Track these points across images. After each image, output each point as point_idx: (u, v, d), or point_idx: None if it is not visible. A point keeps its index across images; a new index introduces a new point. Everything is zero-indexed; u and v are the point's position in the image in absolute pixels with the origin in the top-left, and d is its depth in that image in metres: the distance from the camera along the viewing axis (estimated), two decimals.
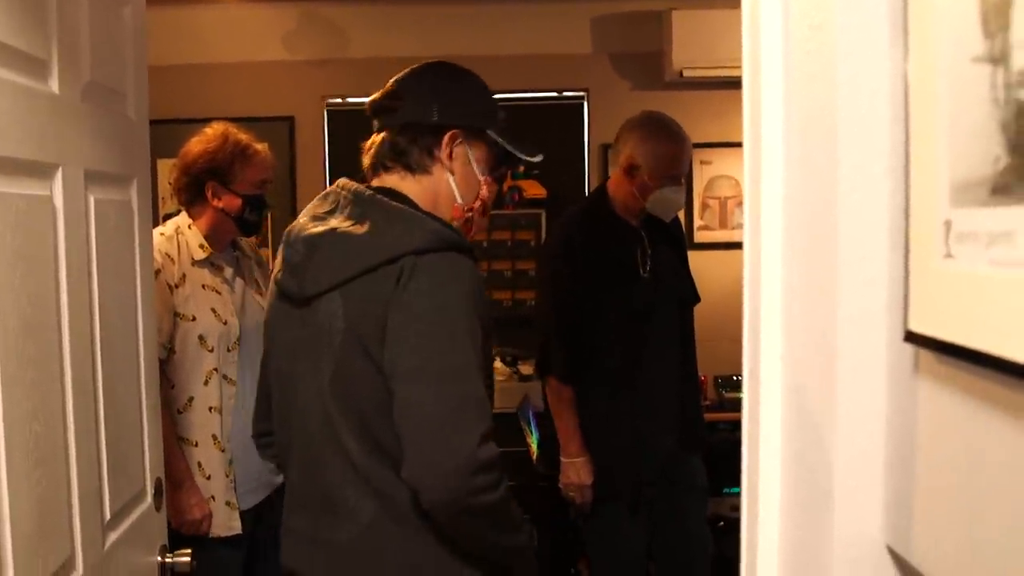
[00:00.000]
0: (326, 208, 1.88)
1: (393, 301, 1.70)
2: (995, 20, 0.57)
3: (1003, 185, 0.57)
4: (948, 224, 0.64)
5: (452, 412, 1.67)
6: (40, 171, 1.49)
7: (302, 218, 1.91)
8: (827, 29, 0.80)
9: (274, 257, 2.07)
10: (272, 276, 2.00)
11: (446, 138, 1.89)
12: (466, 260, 1.77)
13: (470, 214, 1.96)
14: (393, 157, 1.91)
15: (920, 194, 0.69)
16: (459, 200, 1.93)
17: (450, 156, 1.90)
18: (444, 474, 1.65)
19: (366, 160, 1.96)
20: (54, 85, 1.54)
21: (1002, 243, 0.57)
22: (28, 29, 1.44)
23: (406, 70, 1.97)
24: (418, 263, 1.71)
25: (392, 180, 1.91)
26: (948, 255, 0.65)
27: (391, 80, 1.96)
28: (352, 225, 1.79)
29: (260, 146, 2.98)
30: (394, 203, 1.81)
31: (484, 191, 1.97)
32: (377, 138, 1.94)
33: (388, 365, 1.71)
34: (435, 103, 1.89)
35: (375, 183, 1.93)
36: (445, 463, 1.65)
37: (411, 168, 1.90)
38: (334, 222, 1.82)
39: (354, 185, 1.88)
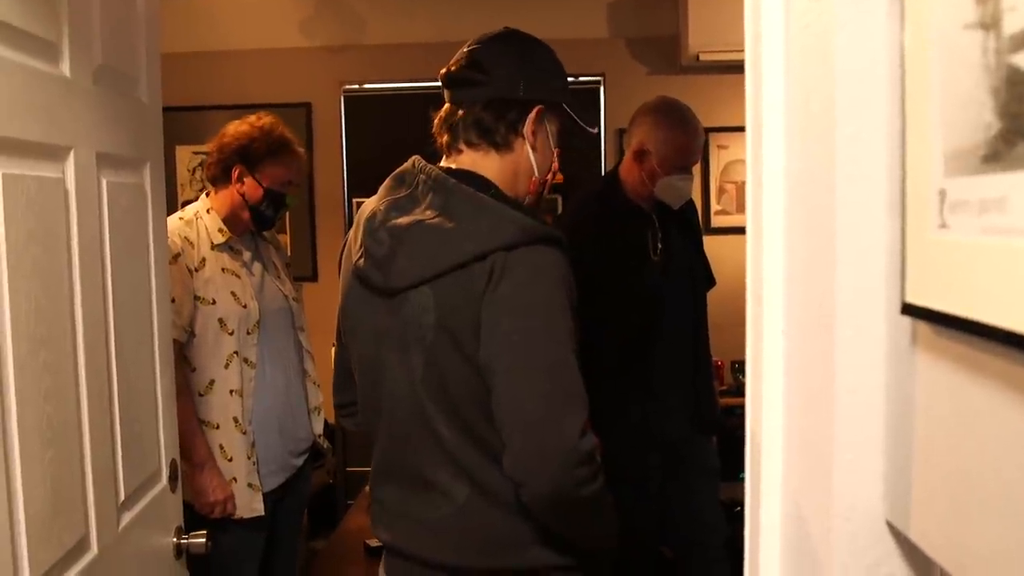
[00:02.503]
0: (404, 192, 1.86)
1: (486, 298, 1.71)
2: None
3: (994, 152, 0.56)
4: (943, 193, 0.64)
5: (554, 407, 1.69)
6: (52, 154, 1.50)
7: (379, 203, 1.88)
8: (825, 0, 0.80)
9: (341, 239, 2.06)
10: (345, 258, 2.00)
11: (533, 114, 1.88)
12: (554, 251, 1.76)
13: (542, 186, 1.97)
14: (479, 134, 1.89)
15: (915, 164, 0.68)
16: (537, 174, 1.93)
17: (533, 131, 1.90)
18: (548, 467, 1.67)
19: (444, 135, 1.94)
20: (65, 68, 1.55)
21: (993, 211, 0.57)
22: (39, 12, 1.45)
23: (480, 40, 1.92)
24: (509, 259, 1.71)
25: (471, 159, 1.90)
26: (943, 225, 0.64)
27: (464, 50, 1.92)
28: (437, 217, 1.78)
29: (300, 149, 3.03)
30: (478, 193, 1.80)
31: (555, 163, 1.99)
32: (457, 112, 1.92)
33: (485, 361, 1.72)
34: (521, 78, 1.87)
35: (451, 162, 1.93)
36: (549, 457, 1.67)
37: (496, 145, 1.89)
38: (418, 212, 1.80)
39: (433, 169, 1.86)
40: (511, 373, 1.70)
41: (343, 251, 2.04)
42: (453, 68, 1.92)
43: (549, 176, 1.98)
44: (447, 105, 1.95)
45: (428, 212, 1.79)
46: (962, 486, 0.65)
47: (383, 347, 1.86)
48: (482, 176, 1.87)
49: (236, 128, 2.95)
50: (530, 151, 1.90)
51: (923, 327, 0.71)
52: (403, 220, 1.80)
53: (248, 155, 2.90)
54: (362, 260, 1.86)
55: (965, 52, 0.59)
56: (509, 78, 1.87)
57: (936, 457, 0.70)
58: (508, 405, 1.70)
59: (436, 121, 1.96)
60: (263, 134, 2.92)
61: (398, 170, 1.93)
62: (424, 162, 1.89)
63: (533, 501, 1.72)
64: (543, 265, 1.74)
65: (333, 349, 4.12)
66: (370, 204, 1.92)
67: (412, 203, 1.83)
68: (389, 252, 1.80)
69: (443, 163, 1.94)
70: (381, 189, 1.93)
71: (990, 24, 0.56)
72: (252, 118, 2.99)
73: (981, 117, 0.58)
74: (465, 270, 1.73)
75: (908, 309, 0.70)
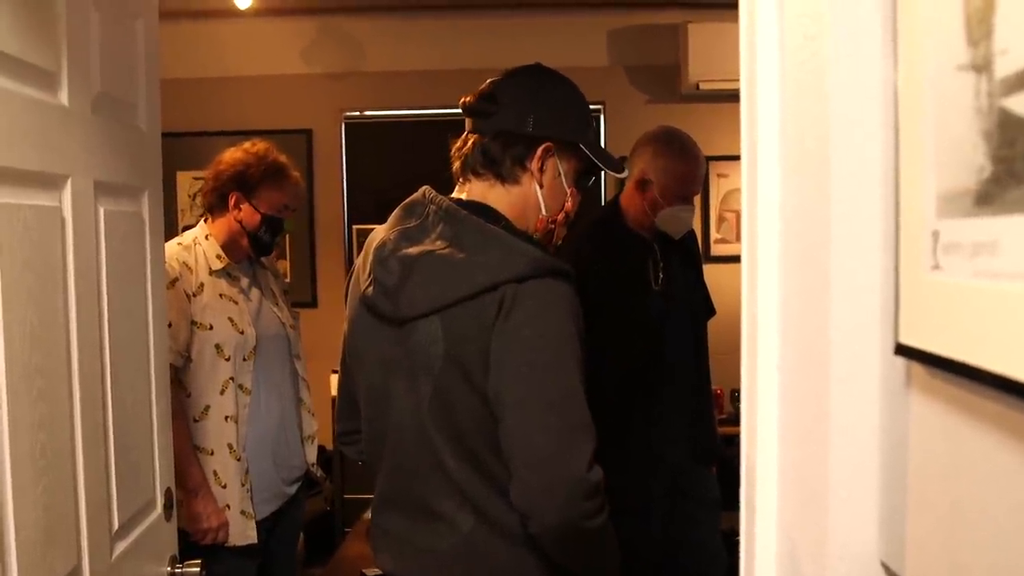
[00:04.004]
0: (414, 222, 1.86)
1: (496, 330, 1.70)
2: (978, 28, 0.57)
3: (986, 195, 0.56)
4: (936, 235, 0.64)
5: (563, 441, 1.68)
6: (49, 182, 1.50)
7: (388, 232, 1.88)
8: (821, 39, 0.80)
9: (347, 267, 2.05)
10: (352, 286, 1.99)
11: (539, 151, 1.88)
12: (563, 284, 1.76)
13: (552, 225, 1.96)
14: (485, 164, 1.89)
15: (909, 204, 0.68)
16: (544, 212, 1.92)
17: (541, 168, 1.89)
18: (556, 500, 1.67)
19: (456, 162, 1.95)
20: (64, 97, 1.55)
21: (985, 254, 0.56)
22: (37, 41, 1.46)
23: (504, 73, 1.94)
24: (519, 291, 1.71)
25: (480, 188, 1.90)
26: (936, 266, 0.64)
27: (488, 81, 1.93)
28: (448, 247, 1.78)
29: (295, 174, 3.03)
30: (488, 225, 1.80)
31: (569, 203, 1.97)
32: (469, 140, 1.93)
33: (493, 392, 1.71)
34: (531, 113, 1.87)
35: (462, 192, 1.93)
36: (557, 490, 1.67)
37: (501, 177, 1.89)
38: (428, 243, 1.80)
39: (443, 200, 1.86)
40: (521, 406, 1.69)
41: (350, 279, 2.03)
42: (470, 99, 1.93)
43: (560, 216, 1.96)
44: (464, 134, 1.95)
45: (438, 242, 1.79)
46: (956, 527, 0.65)
47: (390, 376, 1.85)
48: (492, 208, 1.87)
49: (231, 156, 2.96)
50: (537, 188, 1.90)
51: (917, 368, 0.71)
52: (413, 250, 1.80)
53: (244, 182, 2.90)
54: (371, 288, 1.85)
55: (958, 94, 0.59)
56: (519, 112, 1.87)
57: (930, 498, 0.69)
58: (517, 438, 1.69)
59: (452, 149, 1.97)
60: (258, 160, 2.92)
61: (408, 200, 1.93)
62: (434, 192, 1.89)
63: (541, 533, 1.71)
64: (553, 298, 1.74)
65: (333, 376, 4.12)
66: (379, 233, 1.91)
67: (422, 233, 1.83)
68: (399, 281, 1.79)
69: (454, 194, 1.94)
70: (391, 218, 1.93)
71: (982, 66, 0.56)
72: (247, 144, 2.99)
73: (973, 160, 0.57)
74: (475, 301, 1.72)
75: (901, 350, 0.70)
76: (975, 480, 0.62)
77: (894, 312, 0.72)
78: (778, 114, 0.92)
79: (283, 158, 2.99)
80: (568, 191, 1.95)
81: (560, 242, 2.06)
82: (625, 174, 2.04)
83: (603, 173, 2.08)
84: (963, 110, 0.59)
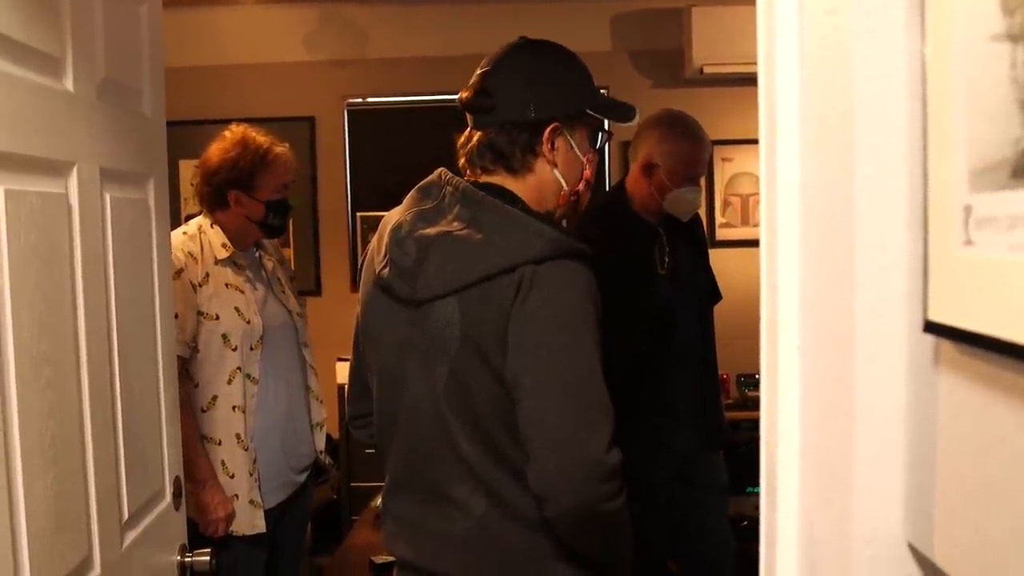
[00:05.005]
0: (430, 204, 1.84)
1: (514, 311, 1.70)
2: None
3: (1023, 167, 0.55)
4: (968, 209, 0.62)
5: (580, 422, 1.67)
6: (55, 169, 1.49)
7: (404, 213, 1.86)
8: (842, 12, 0.78)
9: (359, 251, 2.03)
10: (366, 268, 1.97)
11: (546, 133, 1.86)
12: (581, 265, 1.76)
13: (575, 197, 1.95)
14: (494, 159, 1.87)
15: (938, 179, 0.67)
16: (565, 188, 1.91)
17: (552, 148, 1.87)
18: (573, 483, 1.66)
19: (462, 159, 1.92)
20: (69, 83, 1.54)
21: (1022, 227, 0.55)
22: (42, 27, 1.44)
23: (491, 60, 1.89)
24: (537, 272, 1.70)
25: (494, 179, 1.89)
26: (968, 241, 0.62)
27: (477, 73, 1.89)
28: (465, 228, 1.76)
29: (280, 149, 2.97)
30: (506, 206, 1.79)
31: (588, 170, 1.95)
32: (473, 136, 1.90)
33: (511, 375, 1.71)
34: (531, 100, 1.84)
35: (478, 178, 1.90)
36: (574, 472, 1.66)
37: (513, 169, 1.87)
38: (444, 224, 1.79)
39: (460, 181, 1.84)
40: (539, 388, 1.69)
41: (363, 261, 2.02)
42: (466, 95, 1.90)
43: (581, 185, 1.94)
44: (467, 130, 1.93)
45: (456, 224, 1.78)
46: (987, 507, 0.64)
47: (405, 358, 1.84)
48: (509, 190, 1.86)
49: (218, 154, 2.90)
50: (552, 169, 1.88)
51: (946, 345, 0.69)
52: (430, 231, 1.78)
53: (239, 178, 2.87)
54: (387, 270, 1.83)
55: (991, 64, 0.58)
56: (518, 101, 1.84)
57: (960, 477, 0.68)
58: (535, 420, 1.69)
59: (458, 145, 1.94)
60: (244, 150, 2.88)
61: (423, 182, 1.91)
62: (451, 174, 1.87)
63: (557, 516, 1.71)
64: (571, 279, 1.73)
65: (338, 364, 4.10)
66: (394, 215, 1.90)
67: (438, 214, 1.81)
68: (416, 263, 1.78)
69: (467, 178, 1.92)
70: (406, 200, 1.91)
71: (1019, 36, 0.55)
72: (227, 135, 2.94)
73: (1009, 131, 0.56)
74: (492, 282, 1.71)
75: (931, 327, 0.69)
76: (1008, 458, 0.61)
77: (922, 289, 0.70)
78: (797, 92, 0.90)
79: (262, 137, 2.94)
80: (584, 158, 1.92)
81: (580, 215, 2.04)
82: (636, 120, 2.01)
83: (607, 159, 2.06)
84: (998, 81, 0.57)
